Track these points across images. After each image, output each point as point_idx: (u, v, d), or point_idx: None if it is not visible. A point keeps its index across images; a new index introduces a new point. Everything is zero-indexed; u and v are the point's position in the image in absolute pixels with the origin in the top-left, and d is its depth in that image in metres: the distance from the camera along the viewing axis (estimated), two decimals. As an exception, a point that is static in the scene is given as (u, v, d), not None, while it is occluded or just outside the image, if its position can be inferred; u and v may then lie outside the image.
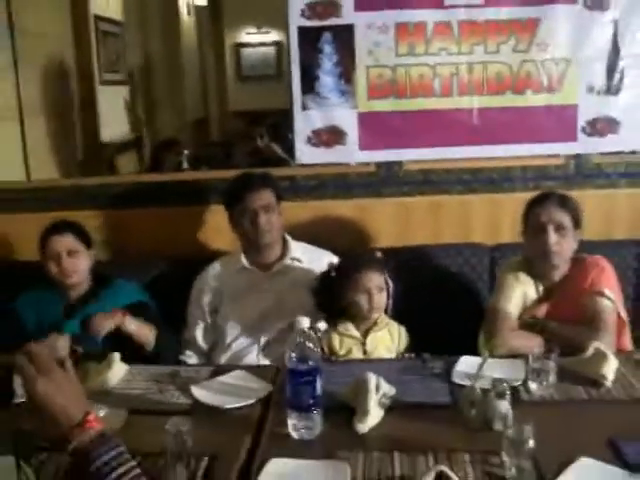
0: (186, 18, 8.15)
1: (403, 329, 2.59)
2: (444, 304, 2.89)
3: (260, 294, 2.80)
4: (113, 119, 5.48)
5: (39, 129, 4.17)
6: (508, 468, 1.60)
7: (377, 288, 2.50)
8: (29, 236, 2.88)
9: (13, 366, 1.32)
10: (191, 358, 2.83)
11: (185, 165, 4.78)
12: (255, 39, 9.79)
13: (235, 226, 2.83)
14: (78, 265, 2.79)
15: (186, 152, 4.93)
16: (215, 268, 2.89)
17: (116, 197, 3.30)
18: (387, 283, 2.53)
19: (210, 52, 9.43)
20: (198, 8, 8.71)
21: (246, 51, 9.84)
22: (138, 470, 1.28)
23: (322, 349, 2.47)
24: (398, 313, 2.61)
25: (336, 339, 2.51)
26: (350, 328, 2.53)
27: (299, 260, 2.84)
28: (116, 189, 3.34)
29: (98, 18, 5.32)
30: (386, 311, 2.57)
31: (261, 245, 2.80)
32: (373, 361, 2.41)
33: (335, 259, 2.75)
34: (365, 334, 2.52)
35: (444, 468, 1.51)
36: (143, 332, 2.64)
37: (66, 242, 2.78)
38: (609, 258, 2.70)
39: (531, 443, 1.61)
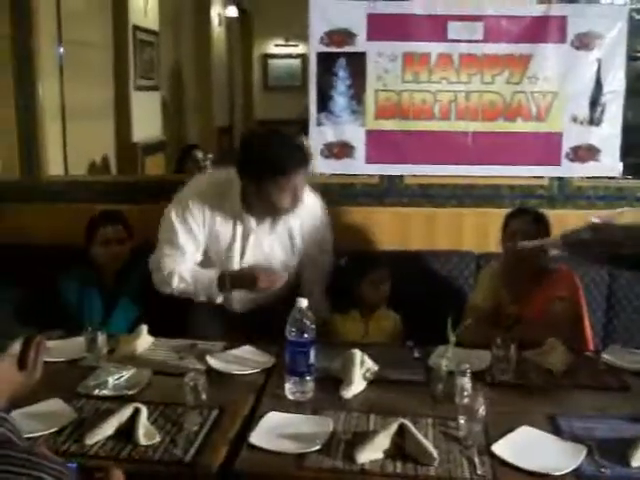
0: (217, 29, 8.55)
1: (399, 318, 3.00)
2: (433, 301, 3.20)
3: (245, 244, 2.84)
4: (145, 122, 5.86)
5: (79, 129, 4.57)
6: (461, 429, 1.96)
7: (384, 281, 2.94)
8: (68, 223, 3.30)
9: None
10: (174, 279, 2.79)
11: (209, 170, 5.11)
12: (282, 51, 10.12)
13: (259, 189, 2.69)
14: (125, 252, 3.14)
15: (210, 156, 5.28)
16: (206, 198, 2.80)
17: (144, 193, 3.64)
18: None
19: (238, 62, 9.79)
20: (229, 19, 9.11)
21: (273, 62, 10.17)
22: None
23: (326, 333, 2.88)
24: (395, 306, 3.03)
25: (342, 325, 2.94)
26: (356, 315, 2.96)
27: (286, 223, 2.86)
28: (143, 185, 3.75)
29: (136, 28, 5.70)
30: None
31: (278, 217, 2.81)
32: (367, 344, 2.66)
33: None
34: (367, 321, 2.96)
35: (405, 421, 1.87)
36: None
37: (117, 231, 3.13)
38: (584, 271, 3.06)
39: (482, 410, 1.97)
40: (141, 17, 5.80)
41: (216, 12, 8.43)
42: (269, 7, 9.20)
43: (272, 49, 10.15)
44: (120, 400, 2.09)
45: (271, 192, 2.65)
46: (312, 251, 3.00)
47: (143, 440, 1.87)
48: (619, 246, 2.32)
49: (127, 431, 1.90)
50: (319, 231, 3.01)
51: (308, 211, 2.90)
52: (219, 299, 2.84)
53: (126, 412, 1.94)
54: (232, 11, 9.02)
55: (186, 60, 7.62)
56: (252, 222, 2.82)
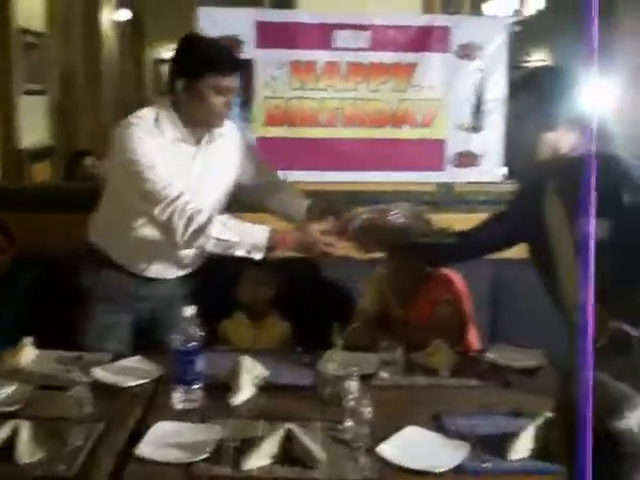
0: (108, 31, 8.37)
1: (289, 326, 3.03)
2: (323, 307, 3.25)
3: (191, 168, 2.67)
4: (32, 128, 5.68)
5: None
6: (348, 432, 2.00)
7: (262, 284, 2.99)
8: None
9: None
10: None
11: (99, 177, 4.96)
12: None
13: (192, 91, 2.56)
14: (5, 262, 3.04)
15: (101, 163, 5.11)
16: (146, 127, 2.58)
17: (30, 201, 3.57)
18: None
19: (131, 66, 9.63)
20: (121, 23, 8.95)
21: (166, 67, 10.03)
22: None
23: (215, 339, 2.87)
24: (285, 312, 3.07)
25: (230, 329, 2.92)
26: (245, 321, 2.97)
27: (222, 134, 2.74)
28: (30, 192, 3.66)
29: (22, 30, 5.52)
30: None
31: (212, 126, 2.67)
32: (256, 350, 2.70)
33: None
34: (258, 327, 2.97)
35: (291, 426, 1.89)
36: None
37: None
38: (468, 273, 3.16)
39: (368, 413, 2.01)
40: (27, 18, 5.61)
41: (107, 15, 8.27)
42: (162, 12, 9.07)
43: (165, 54, 10.03)
44: (1, 417, 2.01)
45: (205, 93, 2.55)
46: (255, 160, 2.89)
47: (24, 457, 1.82)
48: (395, 233, 2.62)
49: (8, 449, 1.84)
50: (247, 140, 2.96)
51: (229, 129, 2.79)
52: (258, 256, 2.57)
53: (6, 429, 1.88)
54: (124, 15, 8.86)
55: (76, 63, 7.42)
56: (191, 142, 2.67)
